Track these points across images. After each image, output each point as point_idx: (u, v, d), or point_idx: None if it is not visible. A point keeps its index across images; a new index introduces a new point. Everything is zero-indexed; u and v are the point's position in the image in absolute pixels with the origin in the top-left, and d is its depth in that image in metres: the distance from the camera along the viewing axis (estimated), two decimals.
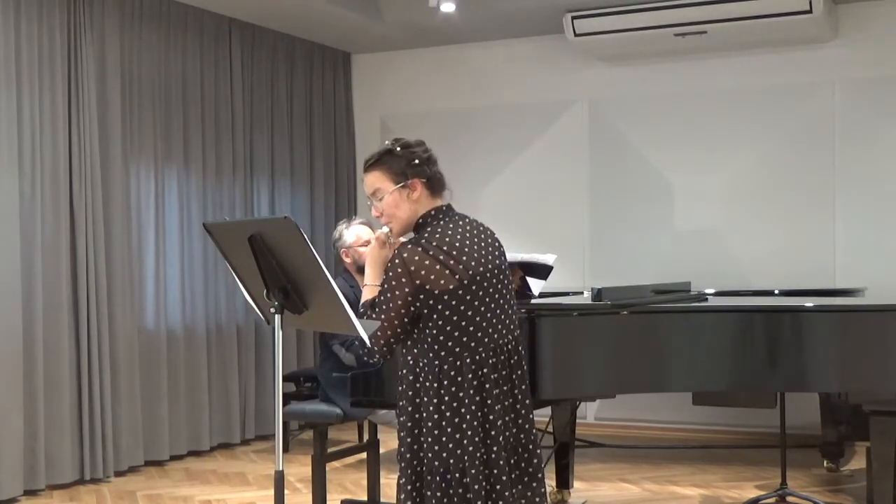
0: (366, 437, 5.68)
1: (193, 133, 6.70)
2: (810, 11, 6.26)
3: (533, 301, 4.24)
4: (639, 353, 4.11)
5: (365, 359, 3.07)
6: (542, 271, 4.27)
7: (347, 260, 4.91)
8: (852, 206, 6.78)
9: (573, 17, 6.82)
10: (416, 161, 2.99)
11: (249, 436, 7.11)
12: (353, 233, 4.88)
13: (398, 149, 3.00)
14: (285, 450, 4.88)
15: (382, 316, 2.94)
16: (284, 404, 4.73)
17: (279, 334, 3.09)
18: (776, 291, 6.00)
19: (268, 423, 7.07)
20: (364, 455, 5.11)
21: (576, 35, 6.88)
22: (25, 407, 5.51)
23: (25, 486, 5.52)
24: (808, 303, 4.46)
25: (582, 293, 5.62)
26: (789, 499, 5.12)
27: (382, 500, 4.99)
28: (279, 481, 3.08)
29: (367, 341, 3.00)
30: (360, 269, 4.90)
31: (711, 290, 5.66)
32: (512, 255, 3.45)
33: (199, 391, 6.66)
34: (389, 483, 5.57)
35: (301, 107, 7.68)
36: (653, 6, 6.59)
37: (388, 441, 6.06)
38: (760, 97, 6.99)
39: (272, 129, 7.40)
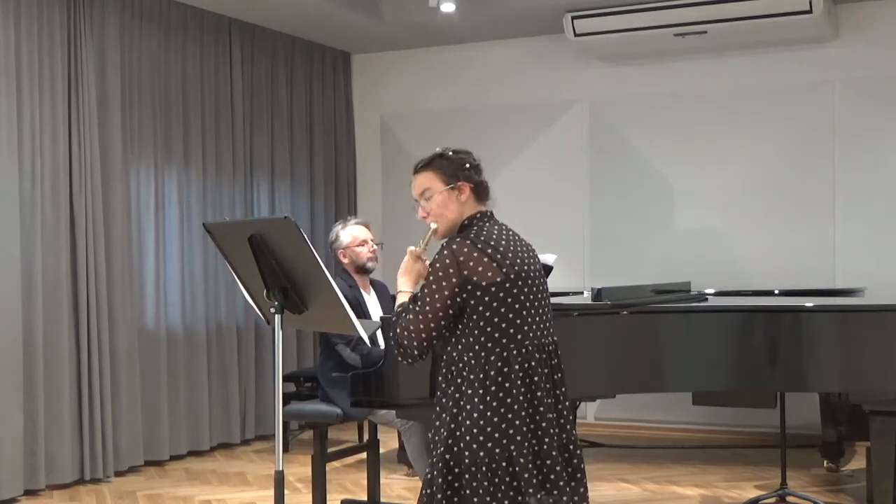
0: (366, 437, 5.68)
1: (193, 133, 6.70)
2: (810, 11, 6.26)
3: None
4: (639, 353, 4.11)
5: (399, 360, 3.06)
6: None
7: (345, 260, 4.91)
8: (852, 206, 6.78)
9: (573, 17, 6.82)
10: (468, 166, 3.09)
11: (249, 436, 7.11)
12: (349, 233, 4.90)
13: (450, 153, 3.10)
14: (285, 450, 4.88)
15: (427, 308, 2.94)
16: (284, 404, 4.73)
17: (279, 334, 3.10)
18: (776, 291, 6.00)
19: (268, 423, 7.07)
20: (364, 455, 5.11)
21: (576, 35, 6.88)
22: (25, 407, 5.51)
23: (25, 486, 5.52)
24: (808, 303, 4.46)
25: (582, 293, 5.62)
26: (789, 499, 5.12)
27: (382, 500, 4.99)
28: (279, 481, 3.08)
29: (367, 341, 3.01)
30: (358, 269, 4.90)
31: (711, 290, 5.66)
32: None
33: (199, 391, 6.66)
34: (389, 483, 5.58)
35: (301, 107, 7.68)
36: (653, 6, 6.59)
37: (388, 441, 6.08)
38: (760, 97, 6.99)
39: (272, 129, 7.40)
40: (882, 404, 4.15)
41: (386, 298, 4.96)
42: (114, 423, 5.97)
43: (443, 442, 2.97)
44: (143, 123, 6.34)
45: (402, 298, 3.08)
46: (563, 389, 3.09)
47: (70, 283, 5.80)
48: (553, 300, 4.54)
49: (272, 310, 3.10)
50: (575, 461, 3.06)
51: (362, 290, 4.91)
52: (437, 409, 3.03)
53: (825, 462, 5.85)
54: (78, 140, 5.84)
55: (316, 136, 7.81)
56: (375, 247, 4.92)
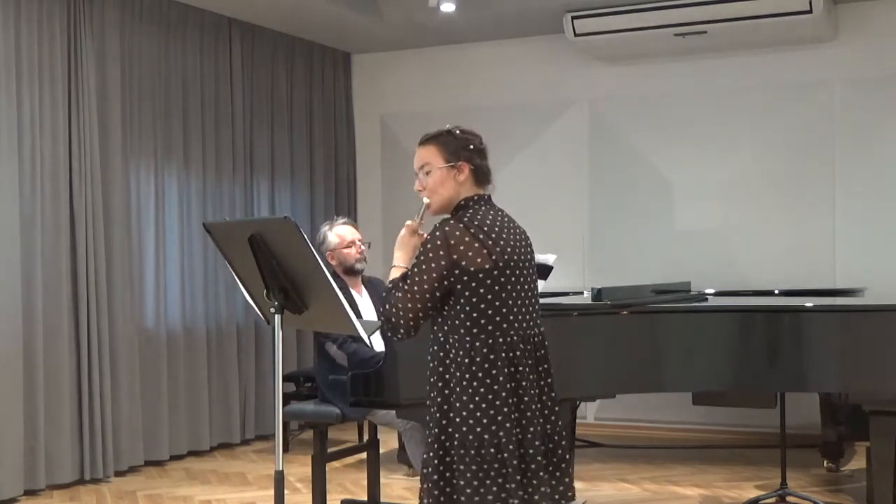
0: (366, 437, 5.68)
1: (193, 133, 6.70)
2: (810, 11, 6.26)
3: None
4: (639, 353, 4.11)
5: (388, 335, 3.08)
6: (542, 271, 4.26)
7: (333, 262, 4.86)
8: (852, 206, 6.77)
9: (573, 17, 6.82)
10: (471, 147, 3.10)
11: (249, 436, 7.11)
12: (335, 234, 4.85)
13: (458, 132, 3.12)
14: (285, 450, 4.88)
15: (415, 287, 2.96)
16: (284, 404, 4.72)
17: (279, 334, 3.10)
18: (776, 291, 6.00)
19: (268, 423, 7.07)
20: (364, 455, 5.11)
21: (576, 35, 6.88)
22: (25, 407, 5.51)
23: (25, 486, 5.52)
24: (808, 303, 4.46)
25: (582, 293, 5.62)
26: (789, 499, 5.12)
27: (382, 500, 4.99)
28: (279, 481, 3.08)
29: (367, 340, 3.02)
30: (347, 271, 4.86)
31: (711, 290, 5.66)
32: None
33: (199, 391, 6.66)
34: (389, 483, 5.59)
35: (301, 107, 7.68)
36: (653, 6, 6.59)
37: (389, 441, 6.08)
38: (760, 97, 6.99)
39: (272, 129, 7.40)
40: (882, 404, 4.15)
41: (381, 296, 4.92)
42: (114, 423, 5.97)
43: (436, 423, 2.99)
44: (143, 123, 6.34)
45: (395, 274, 3.09)
46: (549, 381, 3.10)
47: (70, 283, 5.80)
48: (553, 300, 4.58)
49: (272, 310, 3.10)
50: (560, 452, 3.07)
51: (353, 291, 4.86)
52: (429, 389, 3.05)
53: (825, 462, 5.85)
54: (78, 140, 5.83)
55: (316, 136, 7.81)
56: (363, 247, 4.87)
